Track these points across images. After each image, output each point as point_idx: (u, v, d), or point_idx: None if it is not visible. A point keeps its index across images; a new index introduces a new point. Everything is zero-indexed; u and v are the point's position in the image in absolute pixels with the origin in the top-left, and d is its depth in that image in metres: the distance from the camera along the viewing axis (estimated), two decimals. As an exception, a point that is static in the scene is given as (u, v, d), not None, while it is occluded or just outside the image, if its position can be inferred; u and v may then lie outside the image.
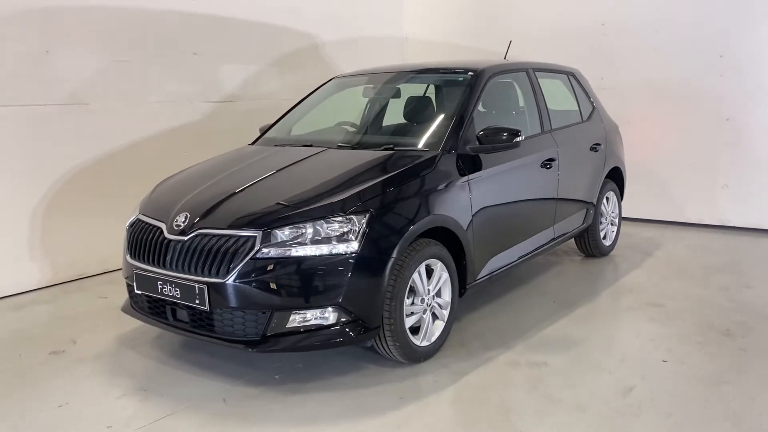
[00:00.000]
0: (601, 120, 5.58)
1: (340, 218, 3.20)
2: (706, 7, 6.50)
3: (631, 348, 3.79)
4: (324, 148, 4.03)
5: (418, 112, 4.36)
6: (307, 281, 3.13)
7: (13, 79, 4.83)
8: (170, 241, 3.39)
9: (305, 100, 4.97)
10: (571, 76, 5.47)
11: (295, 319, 3.18)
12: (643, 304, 4.49)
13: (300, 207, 3.28)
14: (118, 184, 5.56)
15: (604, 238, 5.65)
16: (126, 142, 5.61)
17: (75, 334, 4.17)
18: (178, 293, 3.31)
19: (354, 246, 3.16)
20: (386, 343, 3.38)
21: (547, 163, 4.56)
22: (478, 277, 3.97)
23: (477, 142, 3.91)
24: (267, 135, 4.76)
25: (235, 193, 3.51)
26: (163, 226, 3.47)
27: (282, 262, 3.13)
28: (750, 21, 6.27)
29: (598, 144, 5.30)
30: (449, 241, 3.70)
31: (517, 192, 4.30)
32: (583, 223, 5.24)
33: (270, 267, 3.12)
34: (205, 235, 3.28)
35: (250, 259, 3.13)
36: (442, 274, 3.64)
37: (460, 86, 4.27)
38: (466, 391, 3.28)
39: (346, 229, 3.18)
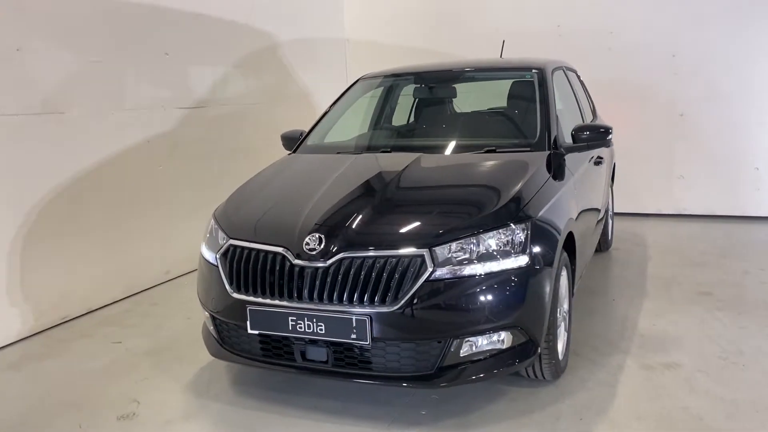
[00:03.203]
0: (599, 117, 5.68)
1: (504, 229, 2.88)
2: (657, 10, 6.87)
3: (735, 337, 3.83)
4: (415, 154, 3.64)
5: (504, 110, 4.12)
6: (487, 302, 2.78)
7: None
8: (303, 268, 2.86)
9: (338, 103, 4.51)
10: (576, 74, 5.50)
11: (471, 346, 2.81)
12: (696, 293, 4.59)
13: (456, 221, 2.91)
14: (98, 209, 4.72)
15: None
16: (102, 157, 4.76)
17: (126, 391, 3.42)
18: (322, 329, 2.80)
19: (524, 259, 2.85)
20: (540, 361, 3.10)
21: (599, 160, 4.53)
22: (577, 281, 3.82)
23: (571, 140, 3.76)
24: (312, 142, 4.24)
25: (361, 210, 3.04)
26: (282, 250, 2.91)
27: (457, 282, 2.75)
28: (699, 22, 6.73)
29: None
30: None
31: (591, 190, 4.20)
32: (603, 218, 5.28)
33: (446, 289, 2.73)
34: (354, 258, 2.80)
35: (425, 281, 2.71)
36: (563, 282, 3.44)
37: (530, 83, 4.09)
38: (637, 402, 3.10)
39: (512, 241, 2.87)
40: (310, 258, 2.84)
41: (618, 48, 7.06)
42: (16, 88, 4.13)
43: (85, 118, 4.60)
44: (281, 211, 3.19)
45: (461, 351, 2.80)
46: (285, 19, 6.95)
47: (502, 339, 2.84)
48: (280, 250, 2.93)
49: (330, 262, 2.81)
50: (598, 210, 4.45)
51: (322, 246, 2.85)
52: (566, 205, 3.38)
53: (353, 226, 2.92)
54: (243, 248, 3.05)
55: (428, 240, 2.79)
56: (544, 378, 3.22)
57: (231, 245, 3.10)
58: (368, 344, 2.75)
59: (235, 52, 6.19)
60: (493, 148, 3.64)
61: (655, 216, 7.19)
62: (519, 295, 2.82)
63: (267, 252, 2.96)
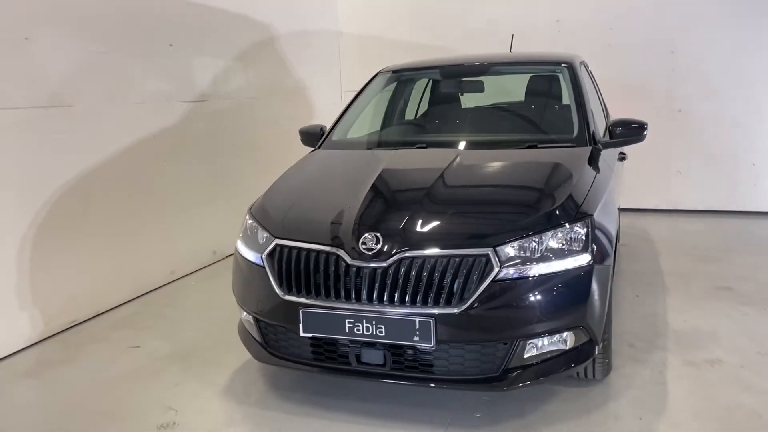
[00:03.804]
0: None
1: (565, 227, 2.80)
2: (656, 6, 6.90)
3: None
4: (455, 150, 3.54)
5: (535, 105, 4.04)
6: (553, 302, 2.71)
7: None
8: (360, 268, 2.74)
9: (359, 98, 4.38)
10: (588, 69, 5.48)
11: (535, 348, 2.74)
12: (715, 288, 4.61)
13: (518, 219, 2.83)
14: (104, 207, 4.51)
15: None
16: (110, 152, 4.55)
17: (159, 398, 3.25)
18: (381, 331, 2.69)
19: (586, 257, 2.78)
20: (593, 360, 3.05)
21: (622, 156, 4.50)
22: None
23: (608, 136, 3.71)
24: (337, 138, 4.11)
25: (416, 209, 2.93)
26: (337, 250, 2.79)
27: (523, 282, 2.67)
28: (697, 19, 6.78)
29: None
30: None
31: (618, 186, 4.17)
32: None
33: (512, 289, 2.65)
34: (414, 258, 2.69)
35: (492, 281, 2.62)
36: (609, 279, 3.39)
37: (561, 77, 4.03)
38: (691, 400, 3.07)
39: (573, 239, 2.80)
40: (368, 258, 2.73)
41: (617, 44, 7.07)
42: (26, 79, 3.91)
43: (93, 111, 4.38)
44: (328, 210, 3.05)
45: (525, 353, 2.72)
46: (280, 10, 6.77)
47: (566, 339, 2.77)
48: (333, 250, 2.80)
49: (389, 262, 2.70)
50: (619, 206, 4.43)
51: (379, 246, 2.73)
52: (612, 200, 3.34)
53: (411, 225, 2.81)
54: (291, 248, 2.92)
55: (492, 239, 2.70)
56: (594, 377, 3.16)
57: (277, 245, 2.96)
58: (432, 347, 2.65)
59: (235, 44, 6.00)
60: (534, 143, 3.57)
61: (653, 211, 7.24)
62: (583, 294, 2.75)
63: (319, 252, 2.84)
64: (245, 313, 3.17)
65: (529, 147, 3.54)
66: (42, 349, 3.94)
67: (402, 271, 2.69)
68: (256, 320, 3.05)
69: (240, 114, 6.05)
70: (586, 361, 2.85)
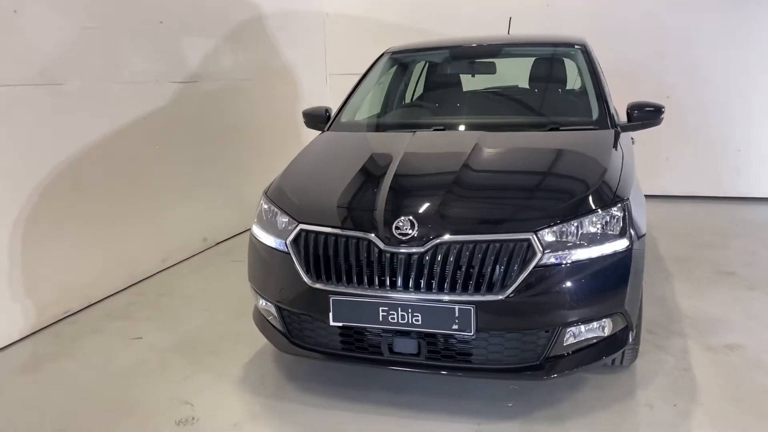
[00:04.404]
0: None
1: (604, 211, 2.72)
2: (647, -9, 6.90)
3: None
4: (476, 132, 3.42)
5: (550, 87, 3.96)
6: (596, 288, 2.63)
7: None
8: (394, 254, 2.62)
9: (366, 79, 4.23)
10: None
11: (573, 335, 2.66)
12: (718, 273, 4.62)
13: (556, 203, 2.74)
14: (96, 192, 4.29)
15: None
16: (101, 135, 4.32)
17: (171, 392, 3.09)
18: (418, 319, 2.58)
19: (624, 242, 2.71)
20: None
21: (632, 140, 4.45)
22: None
23: (626, 119, 3.65)
24: (347, 120, 3.96)
25: (449, 192, 2.80)
26: (368, 235, 2.66)
27: (565, 267, 2.58)
28: (687, 5, 6.79)
29: None
30: None
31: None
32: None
33: (554, 275, 2.56)
34: (452, 243, 2.58)
35: (534, 267, 2.53)
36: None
37: (575, 58, 3.95)
38: (719, 386, 3.03)
39: (611, 223, 2.72)
40: (403, 244, 2.61)
41: (606, 29, 7.03)
42: (15, 55, 3.66)
43: (84, 90, 4.15)
44: (354, 194, 2.93)
45: (565, 340, 2.64)
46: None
47: (604, 326, 2.70)
48: (364, 235, 2.68)
49: (426, 247, 2.59)
50: None
51: (414, 231, 2.62)
52: (639, 184, 3.28)
53: (446, 210, 2.69)
54: (317, 233, 2.78)
55: (532, 223, 2.61)
56: (621, 364, 3.11)
57: (302, 230, 2.82)
58: (472, 335, 2.55)
59: (224, 22, 5.77)
60: (556, 126, 3.48)
61: (640, 197, 7.26)
62: (623, 279, 2.68)
63: (349, 238, 2.70)
64: (263, 301, 3.02)
65: (551, 129, 3.45)
66: (36, 342, 3.73)
67: (439, 257, 2.58)
68: (279, 309, 2.91)
69: (229, 96, 5.83)
70: (621, 348, 2.79)
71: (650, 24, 6.92)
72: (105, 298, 4.38)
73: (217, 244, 5.70)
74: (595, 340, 2.70)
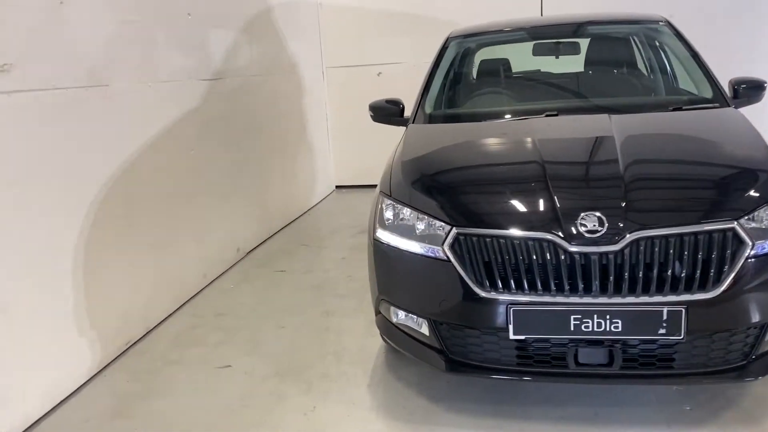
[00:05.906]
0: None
1: None
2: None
3: None
4: (601, 116, 3.15)
5: (650, 65, 3.75)
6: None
7: (19, 47, 2.90)
8: (584, 255, 2.35)
9: (439, 66, 3.92)
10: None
11: (768, 333, 2.46)
12: None
13: (748, 188, 2.51)
14: (144, 206, 3.83)
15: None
16: (144, 142, 3.85)
17: (307, 427, 2.72)
18: (618, 326, 2.32)
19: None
20: None
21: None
22: None
23: (732, 95, 3.49)
24: (430, 110, 3.66)
25: (627, 182, 2.52)
26: (550, 236, 2.38)
27: (776, 256, 2.36)
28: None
29: None
30: None
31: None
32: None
33: (766, 266, 2.34)
34: (651, 238, 2.33)
35: (747, 259, 2.31)
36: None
37: (665, 35, 3.78)
38: None
39: None
40: (593, 242, 2.34)
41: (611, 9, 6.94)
42: (61, 55, 3.16)
43: (127, 91, 3.67)
44: (510, 190, 2.63)
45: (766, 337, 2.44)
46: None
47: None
48: (544, 235, 2.39)
49: (622, 245, 2.33)
50: None
51: (605, 227, 2.35)
52: None
53: (634, 202, 2.43)
54: (481, 237, 2.47)
55: (735, 212, 2.38)
56: None
57: (460, 234, 2.50)
58: (682, 338, 2.31)
59: (240, 15, 5.32)
60: (679, 105, 3.28)
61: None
62: None
63: (525, 240, 2.41)
64: (404, 315, 2.69)
65: (675, 110, 3.24)
66: (110, 380, 3.26)
67: (639, 255, 2.32)
68: (434, 323, 2.59)
69: (247, 95, 5.40)
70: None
71: (657, 3, 6.86)
72: (161, 322, 3.92)
73: (248, 253, 5.26)
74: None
